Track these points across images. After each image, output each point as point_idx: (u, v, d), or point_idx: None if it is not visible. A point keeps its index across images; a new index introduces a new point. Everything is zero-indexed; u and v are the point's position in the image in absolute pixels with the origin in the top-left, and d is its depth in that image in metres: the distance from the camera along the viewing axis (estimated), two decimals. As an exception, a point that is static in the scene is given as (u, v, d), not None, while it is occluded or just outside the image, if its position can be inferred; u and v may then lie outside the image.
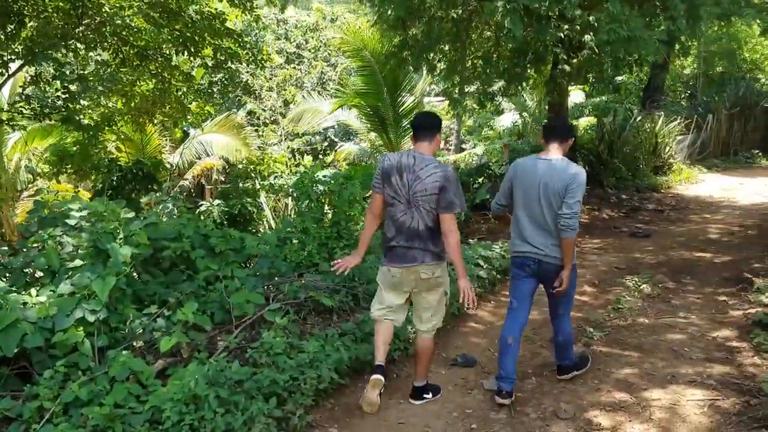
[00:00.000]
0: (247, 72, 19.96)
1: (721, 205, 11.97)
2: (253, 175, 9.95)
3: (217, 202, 9.14)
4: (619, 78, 22.90)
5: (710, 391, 4.16)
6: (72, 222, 4.52)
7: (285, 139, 21.97)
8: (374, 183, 3.94)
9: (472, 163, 15.69)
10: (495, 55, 9.66)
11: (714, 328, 5.46)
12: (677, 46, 9.67)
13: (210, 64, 10.45)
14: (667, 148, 14.85)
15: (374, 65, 14.15)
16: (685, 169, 15.07)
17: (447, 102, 10.87)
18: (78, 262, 4.18)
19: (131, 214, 4.57)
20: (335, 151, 19.38)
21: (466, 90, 10.07)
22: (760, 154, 17.63)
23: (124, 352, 3.72)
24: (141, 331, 4.01)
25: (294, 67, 23.58)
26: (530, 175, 4.02)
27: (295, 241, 6.06)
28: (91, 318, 3.77)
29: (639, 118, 14.72)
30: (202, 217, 8.67)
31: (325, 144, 23.15)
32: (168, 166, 15.03)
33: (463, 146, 26.95)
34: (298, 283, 5.12)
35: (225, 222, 8.99)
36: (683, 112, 17.93)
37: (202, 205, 9.06)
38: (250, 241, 5.61)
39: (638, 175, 13.34)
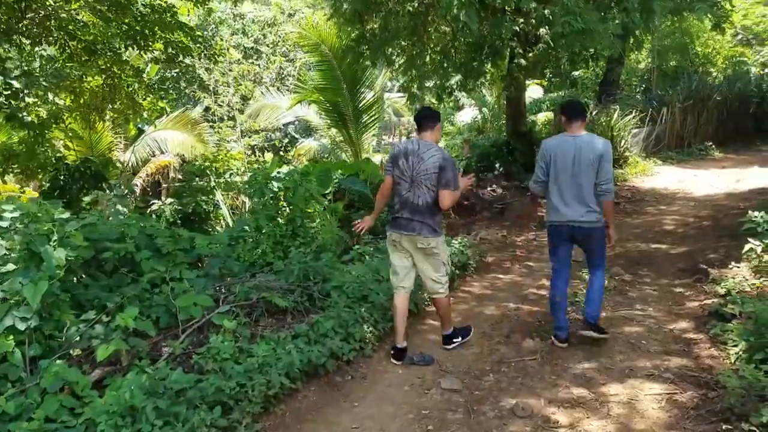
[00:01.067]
0: (202, 67, 19.59)
1: (676, 197, 12.13)
2: (208, 172, 9.67)
3: (169, 200, 8.88)
4: (576, 73, 23.18)
5: (668, 384, 4.13)
6: (4, 224, 4.25)
7: (243, 135, 21.63)
8: (386, 167, 4.69)
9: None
10: (452, 50, 9.58)
11: (671, 320, 5.46)
12: (631, 40, 9.72)
13: (161, 58, 10.13)
14: (623, 141, 15.01)
15: (332, 60, 13.95)
16: (640, 161, 15.25)
17: (407, 98, 10.74)
18: (10, 267, 3.92)
19: (66, 215, 4.33)
20: (295, 147, 19.12)
21: (425, 85, 9.97)
22: (712, 146, 17.95)
23: (58, 361, 3.49)
24: (78, 339, 3.79)
25: (252, 63, 23.21)
26: (565, 152, 4.60)
27: (248, 240, 5.87)
28: (21, 326, 3.54)
29: (595, 112, 14.85)
30: (153, 217, 8.40)
31: (286, 141, 22.84)
32: (120, 164, 14.60)
33: (425, 142, 26.89)
34: (251, 283, 4.94)
35: (179, 221, 8.73)
36: (638, 106, 18.17)
37: (153, 203, 8.77)
38: (201, 241, 5.41)
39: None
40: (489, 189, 12.12)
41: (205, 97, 16.80)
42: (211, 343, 3.81)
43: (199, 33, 10.19)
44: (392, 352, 4.70)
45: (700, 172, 14.97)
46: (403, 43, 9.59)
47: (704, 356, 4.61)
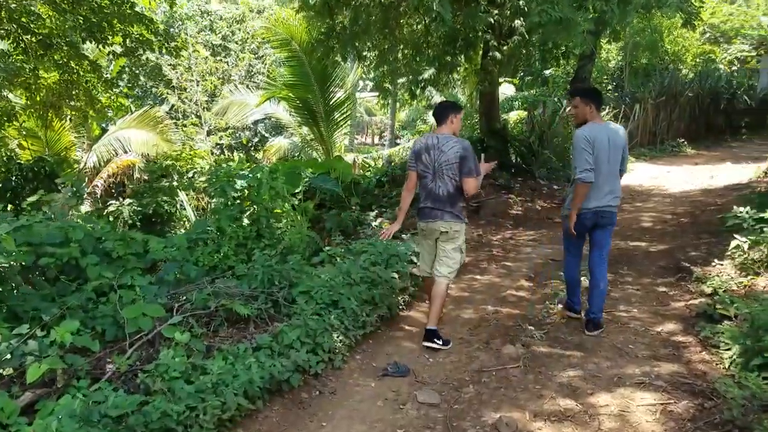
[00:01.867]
0: (168, 64, 18.99)
1: (652, 194, 11.99)
2: (171, 171, 9.20)
3: (128, 201, 8.39)
4: (548, 71, 23.12)
5: (660, 393, 3.83)
6: (-71, 228, 3.79)
7: (210, 134, 21.05)
8: (409, 164, 4.92)
9: (406, 157, 15.28)
10: (425, 44, 9.25)
11: (657, 321, 5.19)
12: (608, 31, 9.48)
13: (118, 51, 9.63)
14: (598, 138, 14.84)
15: (302, 56, 13.54)
16: (614, 158, 15.11)
17: (379, 94, 10.40)
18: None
19: (-3, 217, 3.89)
20: (265, 146, 18.65)
21: (397, 80, 9.63)
22: (685, 142, 17.96)
23: (-18, 384, 3.07)
24: (9, 357, 3.35)
25: (220, 60, 22.64)
26: (602, 140, 4.77)
27: (208, 243, 5.46)
28: (-60, 344, 3.10)
29: (568, 108, 14.66)
30: (110, 219, 7.92)
31: (256, 139, 22.31)
32: (80, 164, 14.00)
33: (398, 141, 26.70)
34: (210, 290, 4.52)
35: (138, 223, 8.25)
36: (611, 103, 18.11)
37: (110, 204, 8.28)
38: (155, 244, 4.99)
39: (569, 165, 13.24)
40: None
41: (168, 94, 16.22)
42: (161, 359, 3.40)
43: (160, 25, 9.70)
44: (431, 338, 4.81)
45: (673, 169, 14.90)
46: (374, 37, 9.22)
47: (696, 361, 4.33)
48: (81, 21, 9.05)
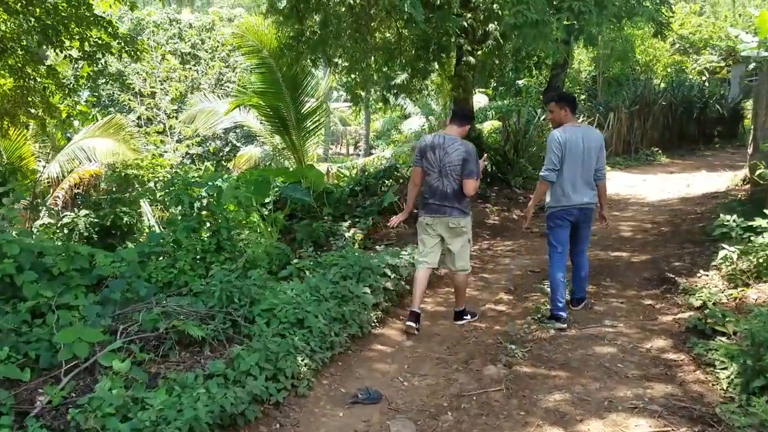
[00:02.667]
0: (136, 73, 18.43)
1: (629, 203, 11.79)
2: (131, 181, 8.71)
3: (84, 212, 7.88)
4: (521, 81, 23.04)
5: (656, 419, 3.49)
6: None
7: (179, 142, 20.50)
8: (414, 160, 5.20)
9: (380, 166, 14.97)
10: (397, 49, 8.92)
11: (645, 337, 4.88)
12: (582, 37, 9.26)
13: (76, 55, 9.14)
14: (572, 147, 14.65)
15: (272, 63, 13.12)
16: (590, 167, 14.93)
17: (350, 100, 10.06)
18: None
19: None
20: (236, 155, 18.17)
21: (366, 84, 9.29)
22: (659, 151, 17.91)
23: None
24: None
25: (189, 69, 22.16)
26: (576, 141, 5.06)
27: (163, 257, 5.02)
28: None
29: (543, 117, 14.47)
30: (65, 231, 7.42)
31: (227, 149, 21.81)
32: (39, 174, 13.40)
33: (372, 151, 26.40)
34: (160, 309, 4.09)
35: (95, 236, 7.75)
36: (585, 112, 18.01)
37: (65, 216, 7.77)
38: (103, 259, 4.54)
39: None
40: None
41: (130, 100, 15.67)
42: (96, 392, 2.97)
43: (120, 29, 9.23)
44: (408, 316, 5.17)
45: (649, 177, 14.78)
46: (345, 42, 8.86)
47: (690, 381, 4.02)
48: (34, 23, 8.55)
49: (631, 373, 4.20)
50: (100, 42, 9.28)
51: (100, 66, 9.65)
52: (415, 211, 5.49)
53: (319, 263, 6.06)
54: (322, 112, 15.36)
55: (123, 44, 9.18)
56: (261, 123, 15.54)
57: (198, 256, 4.98)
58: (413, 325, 5.06)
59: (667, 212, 10.25)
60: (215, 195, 5.13)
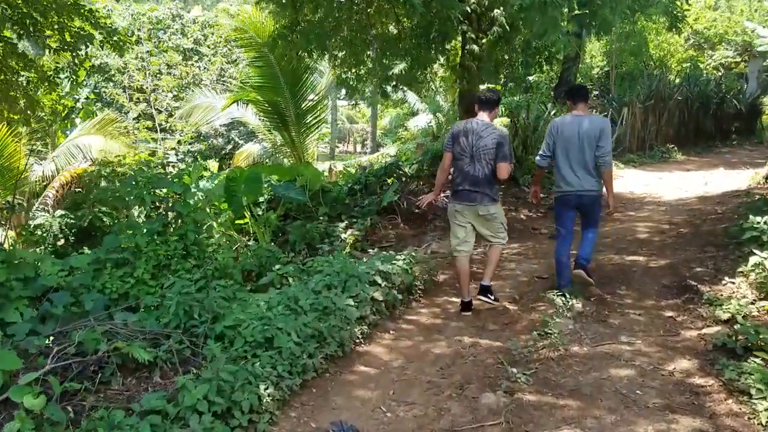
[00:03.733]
0: (134, 68, 17.94)
1: (645, 202, 11.13)
2: (112, 178, 8.16)
3: (59, 212, 7.36)
4: (531, 77, 22.39)
5: (685, 466, 2.90)
6: None
7: (181, 142, 19.99)
8: (446, 145, 5.26)
9: (383, 164, 14.38)
10: (397, 37, 8.32)
11: (668, 357, 4.27)
12: (595, 23, 8.64)
13: (54, 46, 8.61)
14: (585, 143, 13.98)
15: (271, 56, 12.60)
16: (602, 164, 14.25)
17: (346, 92, 9.50)
18: None
19: None
20: (236, 152, 17.67)
21: (365, 77, 8.70)
22: (675, 148, 17.20)
23: None
24: None
25: (192, 65, 21.72)
26: (571, 129, 5.26)
27: (120, 264, 4.46)
28: None
29: (553, 111, 13.83)
30: (39, 233, 6.91)
31: (230, 146, 21.31)
32: (27, 173, 12.92)
33: (380, 148, 25.86)
34: (104, 327, 3.53)
35: (71, 238, 7.22)
36: (597, 107, 17.33)
37: (37, 217, 7.25)
38: (50, 267, 3.99)
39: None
40: (442, 195, 10.88)
41: (118, 95, 15.15)
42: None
43: (102, 18, 8.68)
44: (460, 306, 5.44)
45: (665, 175, 14.10)
46: (342, 30, 8.26)
47: (722, 413, 3.42)
48: (8, 10, 8.02)
49: (652, 403, 3.60)
50: (81, 32, 8.75)
51: (81, 57, 9.12)
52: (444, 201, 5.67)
53: (303, 269, 5.51)
54: (323, 108, 14.82)
55: (106, 35, 8.63)
56: (260, 119, 15.01)
57: (162, 263, 4.42)
58: (469, 314, 5.35)
59: (686, 212, 9.60)
60: (182, 194, 4.56)
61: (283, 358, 3.64)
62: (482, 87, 22.43)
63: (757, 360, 3.87)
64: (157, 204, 4.68)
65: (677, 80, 19.68)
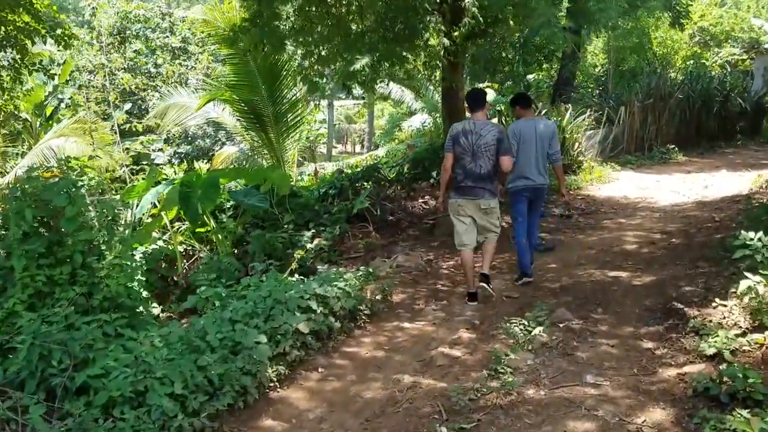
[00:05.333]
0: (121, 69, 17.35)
1: (638, 207, 10.39)
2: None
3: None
4: (531, 76, 21.68)
5: None
6: None
7: (168, 142, 19.37)
8: (447, 145, 5.60)
9: (361, 166, 13.71)
10: (360, 30, 7.59)
11: (638, 404, 3.56)
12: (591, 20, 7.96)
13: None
14: (576, 145, 13.24)
15: (249, 53, 11.90)
16: (596, 167, 13.50)
17: (306, 88, 8.81)
18: None
19: None
20: (214, 154, 17.02)
21: (325, 73, 8.00)
22: (675, 148, 16.39)
23: None
24: None
25: (180, 64, 21.14)
26: (530, 132, 6.11)
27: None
28: None
29: (544, 111, 13.09)
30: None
31: (218, 147, 20.69)
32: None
33: (379, 148, 25.19)
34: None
35: None
36: (593, 105, 16.57)
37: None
38: None
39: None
40: (420, 201, 10.20)
41: (75, 95, 14.50)
42: None
43: (42, 7, 8.01)
44: (466, 297, 5.72)
45: (663, 178, 13.34)
46: (298, 22, 7.55)
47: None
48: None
49: (610, 473, 2.90)
50: (26, 27, 8.11)
51: (30, 53, 8.49)
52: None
53: (232, 293, 4.82)
54: (304, 107, 14.14)
55: (48, 29, 7.98)
56: (236, 118, 14.33)
57: (40, 291, 3.74)
58: (474, 304, 5.60)
59: (680, 219, 8.86)
60: (67, 207, 3.87)
61: (151, 419, 2.94)
62: (473, 86, 21.65)
63: (744, 413, 3.16)
64: (46, 220, 3.99)
65: (680, 78, 18.88)
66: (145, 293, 7.63)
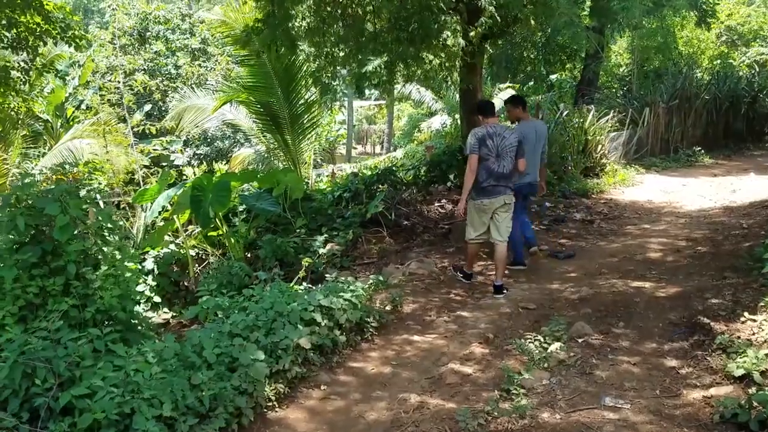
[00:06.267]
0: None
1: (663, 212, 10.06)
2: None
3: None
4: (553, 76, 21.32)
5: None
6: None
7: (188, 144, 19.33)
8: (472, 148, 5.86)
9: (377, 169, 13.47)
10: (373, 31, 7.38)
11: (660, 431, 3.31)
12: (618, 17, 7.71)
13: (4, 42, 7.91)
14: (599, 147, 12.90)
15: (263, 54, 11.77)
16: (620, 169, 13.15)
17: (318, 91, 8.62)
18: None
19: None
20: (231, 156, 16.94)
21: (339, 74, 7.82)
22: (702, 151, 15.95)
23: None
24: None
25: (199, 65, 21.15)
26: (531, 133, 6.61)
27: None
28: None
29: (566, 112, 12.77)
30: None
31: (236, 149, 20.67)
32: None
33: (398, 150, 25.02)
34: None
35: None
36: (617, 106, 16.18)
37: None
38: None
39: (565, 178, 11.32)
40: (437, 204, 9.96)
41: (87, 96, 14.48)
42: None
43: (55, 10, 7.93)
44: (461, 275, 6.57)
45: (689, 181, 12.96)
46: (310, 22, 7.37)
47: None
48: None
49: None
50: (37, 28, 8.04)
51: (44, 54, 8.42)
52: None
53: (234, 303, 4.65)
54: (320, 109, 13.97)
55: (60, 31, 7.90)
56: (253, 121, 14.22)
57: (31, 303, 3.59)
58: (468, 282, 6.44)
59: (707, 226, 8.52)
60: (58, 216, 3.71)
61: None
62: (501, 86, 21.15)
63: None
64: (42, 228, 3.84)
65: (706, 78, 18.38)
66: (156, 298, 7.68)
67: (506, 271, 6.39)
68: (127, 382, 3.06)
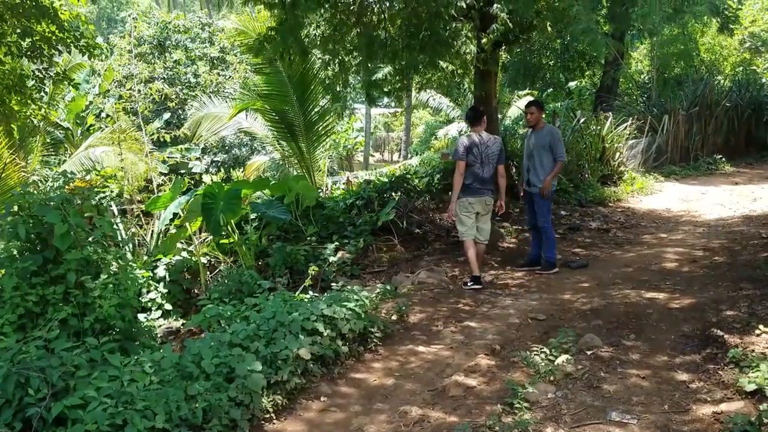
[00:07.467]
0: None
1: (681, 221, 9.88)
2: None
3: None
4: (572, 83, 21.14)
5: None
6: None
7: (206, 152, 19.46)
8: (460, 155, 6.54)
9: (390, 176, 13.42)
10: (384, 38, 7.35)
11: (667, 449, 3.21)
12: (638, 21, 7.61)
13: (18, 51, 7.99)
14: (617, 154, 12.73)
15: (278, 62, 11.82)
16: (638, 177, 12.96)
17: (330, 99, 8.61)
18: None
19: None
20: (246, 164, 17.02)
21: (349, 82, 7.79)
22: (723, 159, 15.67)
23: None
24: None
25: (218, 74, 21.33)
26: (535, 140, 7.13)
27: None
28: None
29: (583, 119, 12.62)
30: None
31: (254, 156, 20.78)
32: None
33: (416, 157, 25.01)
34: None
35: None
36: (636, 113, 15.98)
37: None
38: None
39: (582, 186, 11.17)
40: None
41: (99, 104, 14.60)
42: None
43: (66, 16, 8.00)
44: (470, 281, 6.64)
45: (708, 189, 12.73)
46: (319, 24, 7.36)
47: None
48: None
49: None
50: (51, 36, 8.11)
51: (57, 63, 8.51)
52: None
53: (236, 313, 4.62)
54: (335, 116, 13.97)
55: (73, 39, 7.98)
56: (268, 129, 14.26)
57: (30, 312, 3.59)
58: (479, 287, 6.55)
59: (725, 235, 8.34)
60: (57, 224, 3.71)
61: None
62: (520, 93, 20.97)
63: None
64: (43, 236, 3.85)
65: (728, 85, 18.09)
66: (168, 306, 7.69)
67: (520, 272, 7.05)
68: (122, 392, 3.03)
